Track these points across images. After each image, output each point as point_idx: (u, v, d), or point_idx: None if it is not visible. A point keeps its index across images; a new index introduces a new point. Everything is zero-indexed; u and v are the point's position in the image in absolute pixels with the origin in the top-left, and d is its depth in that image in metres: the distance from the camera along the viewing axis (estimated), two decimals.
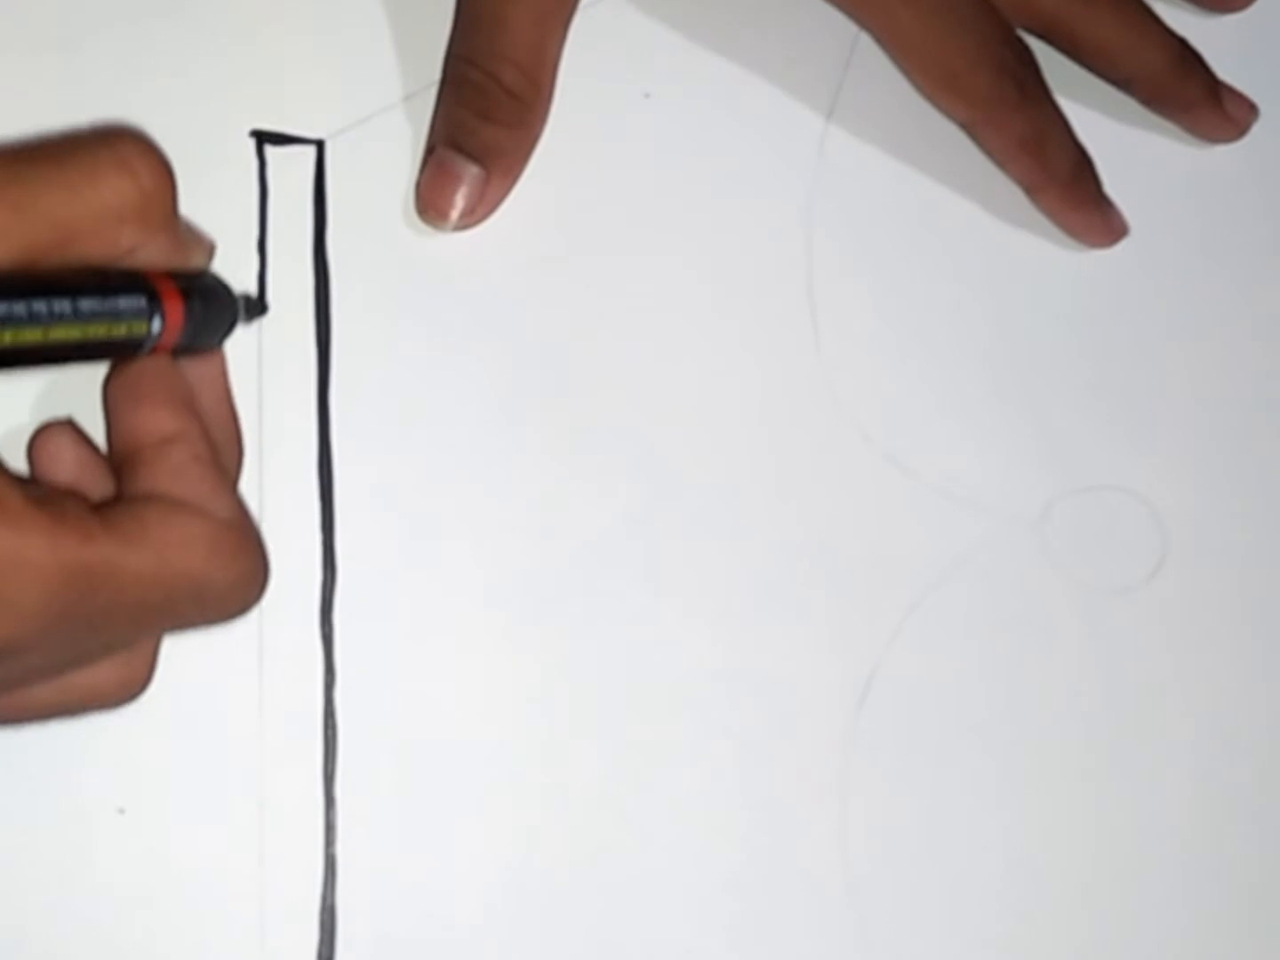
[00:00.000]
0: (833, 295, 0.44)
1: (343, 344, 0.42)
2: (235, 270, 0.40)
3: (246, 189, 0.42)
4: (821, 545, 0.43)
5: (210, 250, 0.38)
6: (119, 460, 0.35)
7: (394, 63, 0.44)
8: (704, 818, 0.41)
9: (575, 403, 0.42)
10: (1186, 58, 0.46)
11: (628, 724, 0.41)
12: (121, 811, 0.39)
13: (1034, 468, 0.44)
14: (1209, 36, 0.46)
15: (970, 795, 0.42)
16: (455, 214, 0.42)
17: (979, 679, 0.43)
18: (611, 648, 0.41)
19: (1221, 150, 0.47)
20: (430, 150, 0.42)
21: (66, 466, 0.36)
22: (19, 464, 0.35)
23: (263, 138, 0.42)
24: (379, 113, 0.43)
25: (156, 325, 0.34)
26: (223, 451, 0.36)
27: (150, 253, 0.35)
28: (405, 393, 0.42)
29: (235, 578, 0.34)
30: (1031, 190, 0.45)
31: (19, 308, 0.32)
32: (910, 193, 0.46)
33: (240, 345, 0.41)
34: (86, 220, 0.33)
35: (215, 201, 0.41)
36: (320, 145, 0.43)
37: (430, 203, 0.42)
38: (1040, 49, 0.45)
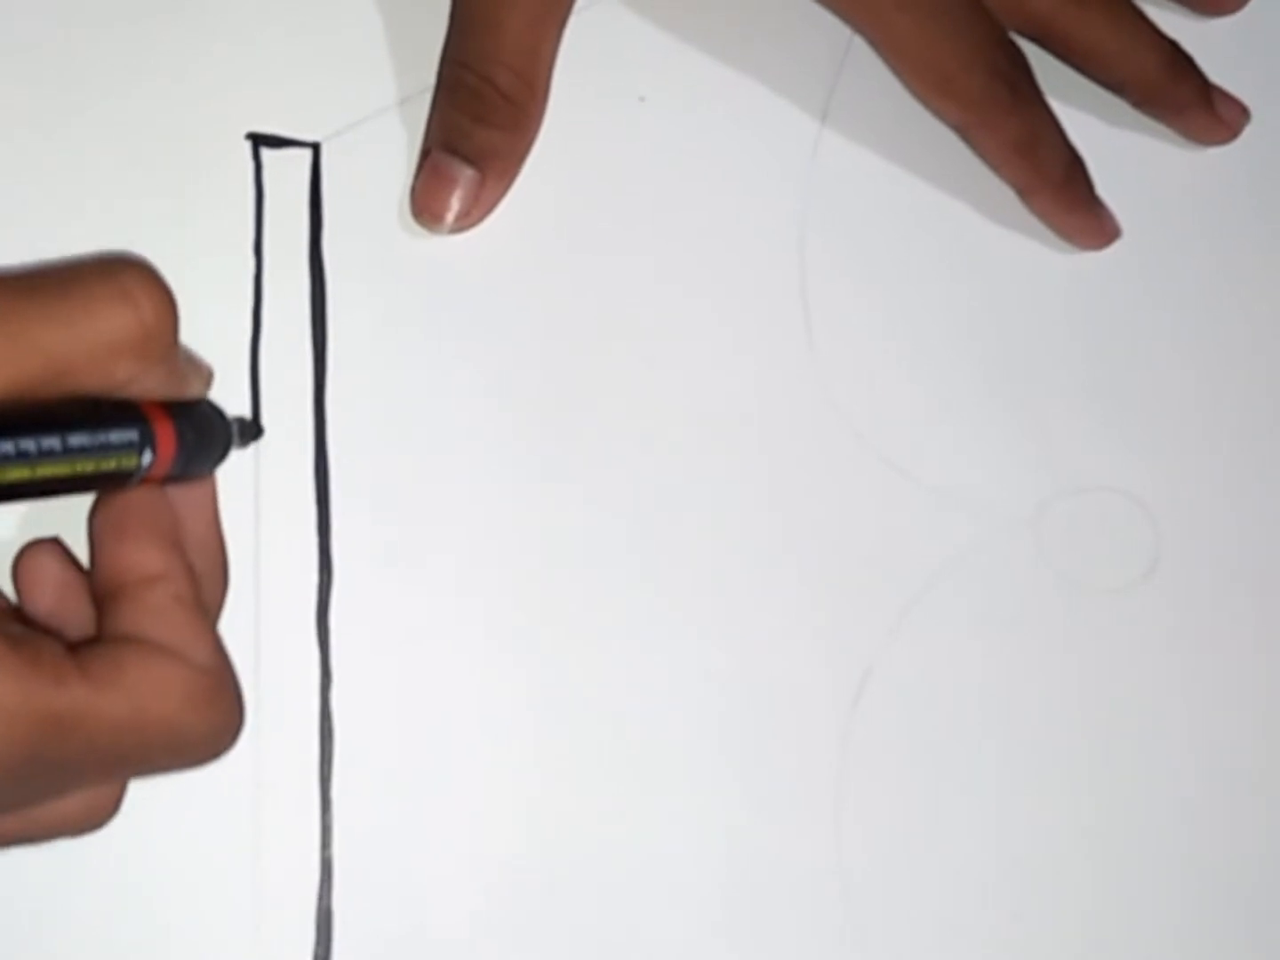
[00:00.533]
0: (826, 297, 0.44)
1: (338, 346, 0.42)
2: (232, 281, 0.40)
3: (242, 191, 0.42)
4: (816, 546, 0.43)
5: (208, 378, 0.37)
6: (101, 593, 0.34)
7: (389, 66, 0.44)
8: (699, 817, 0.41)
9: (570, 404, 0.43)
10: (1178, 61, 0.46)
11: (623, 724, 0.41)
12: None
13: (1028, 468, 0.44)
14: (1201, 39, 0.46)
15: (965, 794, 0.42)
16: (450, 217, 0.42)
17: (973, 679, 0.43)
18: (606, 648, 0.41)
19: (1213, 153, 0.47)
20: (425, 153, 0.42)
21: (50, 590, 0.35)
22: (3, 578, 0.35)
23: (259, 140, 0.42)
24: (375, 115, 0.43)
25: (147, 458, 0.33)
26: (206, 583, 0.35)
27: (147, 383, 0.33)
28: (401, 395, 0.42)
29: (210, 727, 0.33)
30: (1024, 193, 0.46)
31: (6, 446, 0.31)
32: (903, 195, 0.46)
33: (237, 347, 0.41)
34: (82, 354, 0.32)
35: (211, 204, 0.41)
36: (316, 148, 0.43)
37: (425, 205, 0.42)
38: (1033, 52, 0.45)
